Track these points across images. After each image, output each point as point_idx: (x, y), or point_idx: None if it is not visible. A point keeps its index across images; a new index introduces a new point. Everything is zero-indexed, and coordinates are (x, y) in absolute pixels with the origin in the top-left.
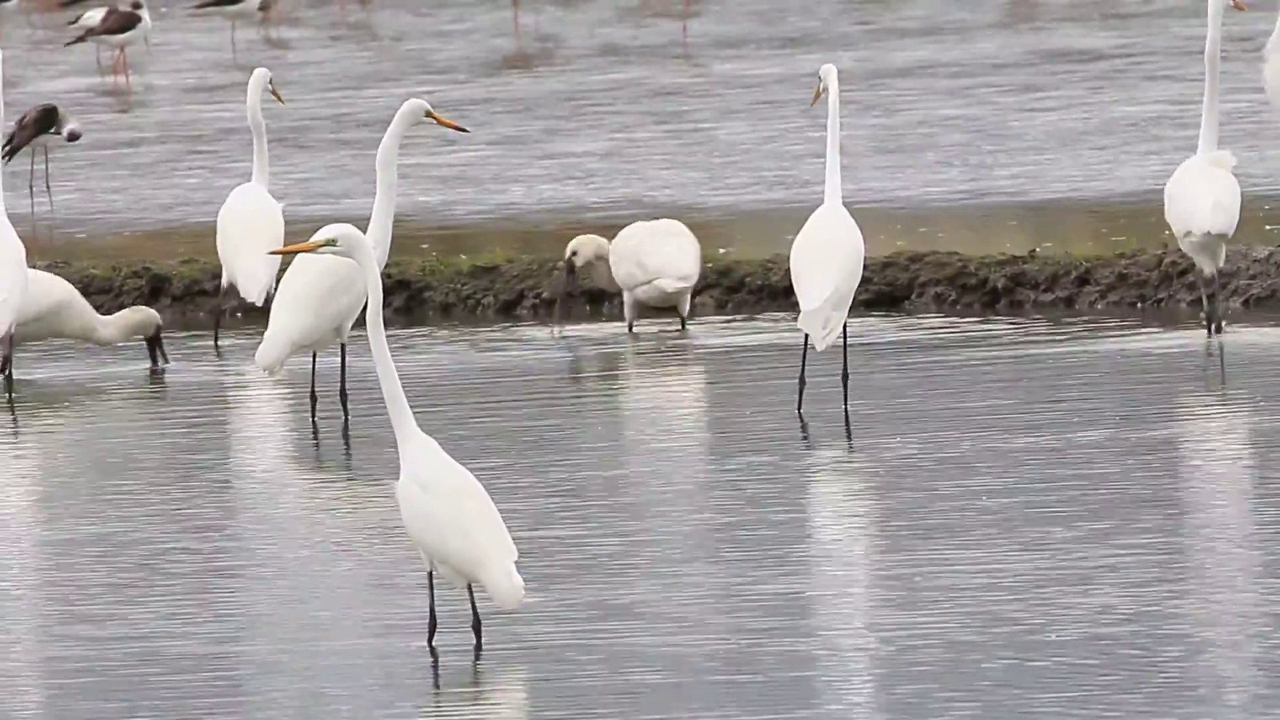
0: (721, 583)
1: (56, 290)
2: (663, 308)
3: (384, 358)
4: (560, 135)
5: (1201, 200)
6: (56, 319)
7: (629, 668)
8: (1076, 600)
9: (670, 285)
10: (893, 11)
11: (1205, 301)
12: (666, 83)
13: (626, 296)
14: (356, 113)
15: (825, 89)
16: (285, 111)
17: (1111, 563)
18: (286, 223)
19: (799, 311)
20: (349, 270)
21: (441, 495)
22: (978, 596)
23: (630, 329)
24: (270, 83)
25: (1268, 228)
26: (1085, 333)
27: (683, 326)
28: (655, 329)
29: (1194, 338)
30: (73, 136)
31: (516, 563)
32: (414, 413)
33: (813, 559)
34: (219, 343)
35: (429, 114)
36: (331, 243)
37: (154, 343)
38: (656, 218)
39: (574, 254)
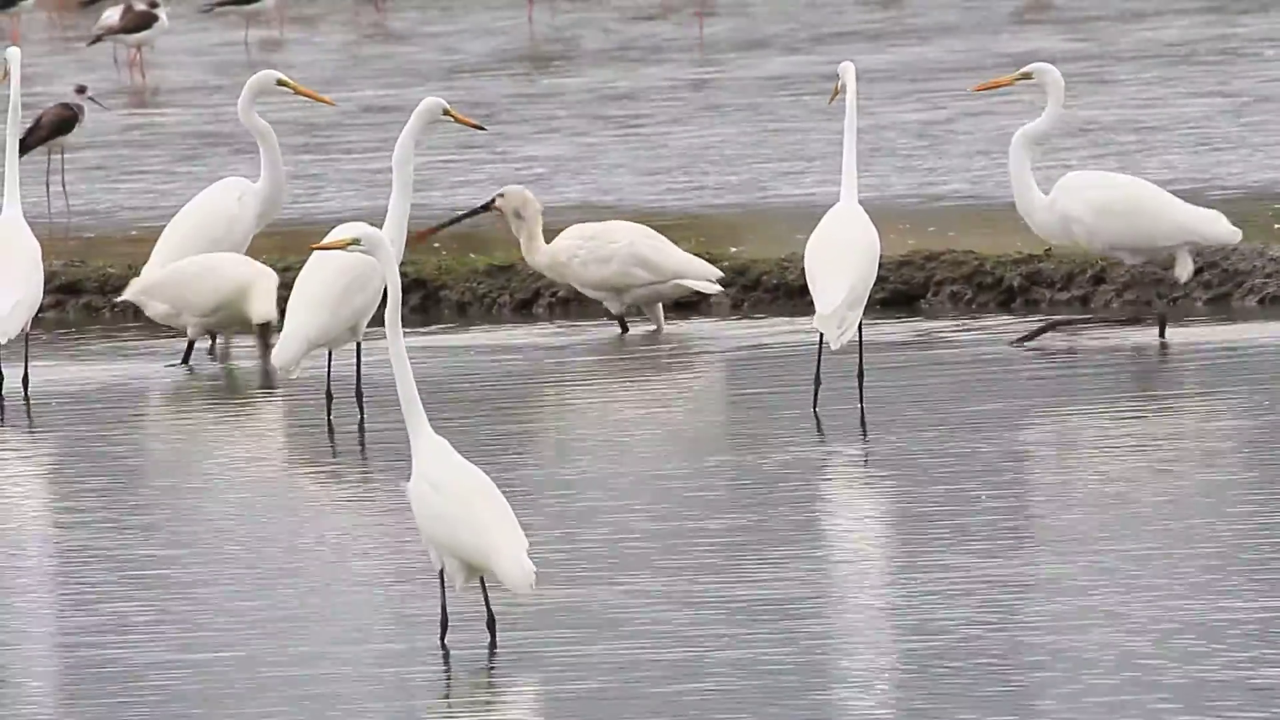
0: (727, 585)
1: (244, 273)
2: (629, 312)
3: (401, 356)
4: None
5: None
6: (241, 304)
7: (632, 670)
8: (1051, 607)
9: (709, 287)
10: (901, 10)
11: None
12: (627, 85)
13: (597, 294)
14: (307, 116)
15: (843, 87)
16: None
17: (1107, 567)
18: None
19: (814, 311)
20: (365, 268)
21: (453, 494)
22: (968, 602)
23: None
24: (279, 83)
25: (1277, 226)
26: (1101, 331)
27: (624, 331)
28: (641, 331)
29: (1206, 335)
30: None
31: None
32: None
33: (809, 560)
34: (214, 342)
35: (446, 112)
36: (355, 242)
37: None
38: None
39: (501, 195)
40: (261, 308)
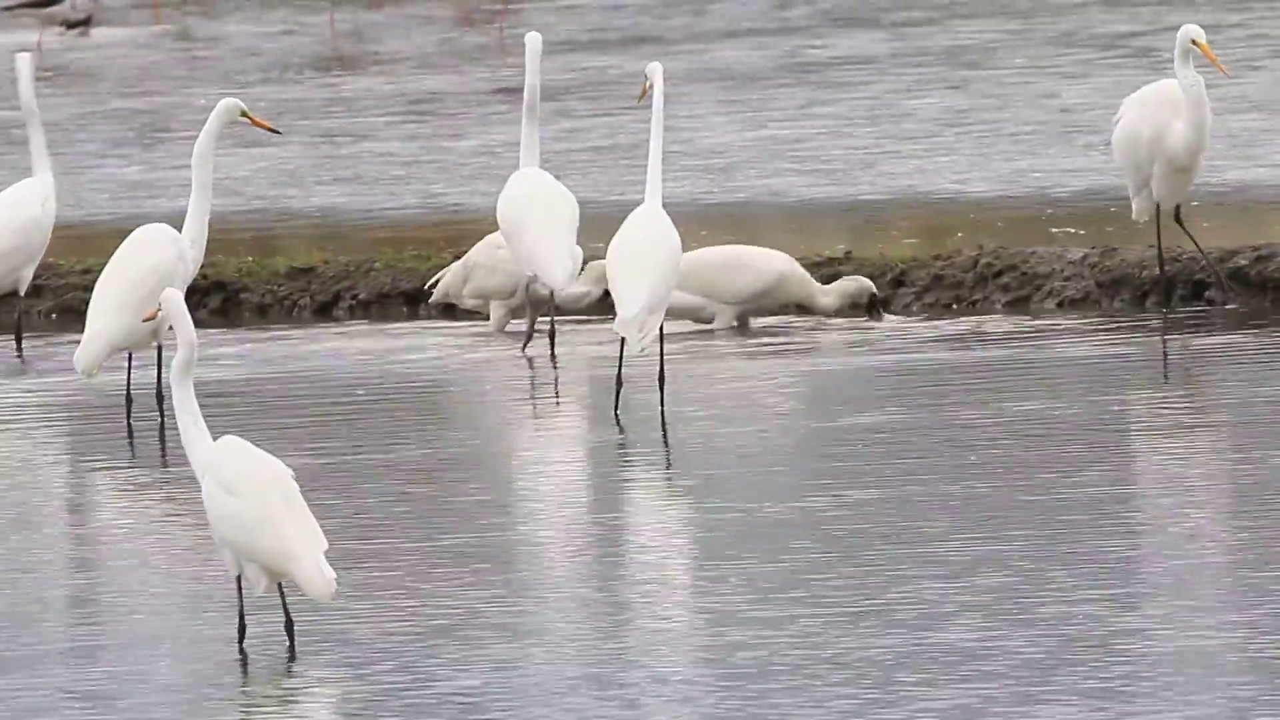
0: (497, 599)
1: (777, 263)
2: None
3: (186, 401)
4: (370, 138)
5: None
6: (782, 291)
7: (442, 673)
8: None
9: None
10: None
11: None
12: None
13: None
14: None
15: (651, 86)
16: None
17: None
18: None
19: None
20: (169, 270)
21: (245, 492)
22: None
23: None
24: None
25: (1052, 230)
26: (896, 335)
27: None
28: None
29: (1013, 336)
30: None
31: (327, 554)
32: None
33: (586, 572)
34: (20, 346)
35: (244, 114)
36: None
37: (870, 308)
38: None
39: None
40: (825, 301)
